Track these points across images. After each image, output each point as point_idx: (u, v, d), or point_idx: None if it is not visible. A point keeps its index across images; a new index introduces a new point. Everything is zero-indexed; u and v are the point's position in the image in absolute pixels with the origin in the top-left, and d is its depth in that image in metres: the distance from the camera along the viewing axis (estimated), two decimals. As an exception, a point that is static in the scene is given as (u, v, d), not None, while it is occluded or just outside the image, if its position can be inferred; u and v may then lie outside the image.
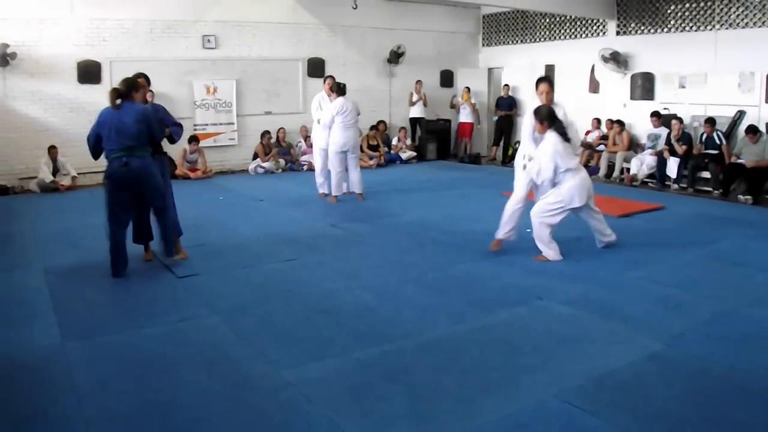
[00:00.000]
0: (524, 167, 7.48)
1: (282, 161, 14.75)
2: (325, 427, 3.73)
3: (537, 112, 7.23)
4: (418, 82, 16.54)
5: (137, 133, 6.53)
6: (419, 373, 4.44)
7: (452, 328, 5.26)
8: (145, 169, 6.62)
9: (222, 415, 3.88)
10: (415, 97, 16.62)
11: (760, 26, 11.98)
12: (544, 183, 7.36)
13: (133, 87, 6.78)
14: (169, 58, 13.73)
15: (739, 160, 11.44)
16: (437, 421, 3.77)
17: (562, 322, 5.35)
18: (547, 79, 7.94)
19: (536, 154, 7.27)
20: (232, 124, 14.64)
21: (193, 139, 13.71)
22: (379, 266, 7.07)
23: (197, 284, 6.43)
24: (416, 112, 16.77)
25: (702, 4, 12.91)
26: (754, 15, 12.09)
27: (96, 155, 6.81)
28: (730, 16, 12.47)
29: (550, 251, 7.20)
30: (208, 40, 14.18)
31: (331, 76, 11.61)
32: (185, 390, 4.22)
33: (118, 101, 6.59)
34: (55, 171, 12.49)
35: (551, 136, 7.04)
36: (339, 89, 11.01)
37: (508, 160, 16.24)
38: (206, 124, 14.34)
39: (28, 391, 4.23)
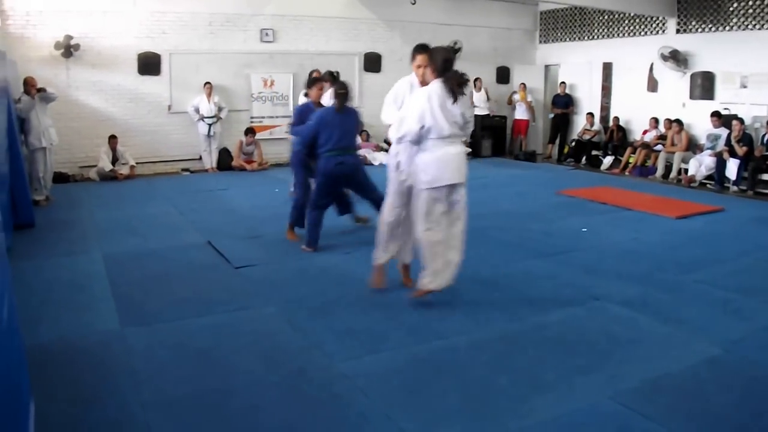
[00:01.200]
0: (397, 166, 5.80)
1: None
2: (379, 420, 3.76)
3: (434, 50, 5.46)
4: (478, 79, 16.45)
5: (355, 134, 7.51)
6: (473, 371, 4.44)
7: (507, 326, 5.24)
8: (357, 166, 7.45)
9: (276, 405, 3.93)
10: (475, 96, 16.51)
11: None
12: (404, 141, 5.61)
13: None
14: (228, 51, 13.90)
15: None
16: (490, 419, 3.78)
17: (618, 323, 5.30)
18: (423, 49, 5.71)
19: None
20: (289, 117, 14.73)
21: (250, 131, 13.88)
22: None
23: (254, 275, 6.50)
24: (479, 109, 16.66)
25: (765, 1, 12.64)
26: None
27: (308, 150, 7.45)
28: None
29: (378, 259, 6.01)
30: (266, 34, 14.32)
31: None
32: (240, 379, 4.28)
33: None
34: (115, 160, 12.75)
35: (435, 86, 5.29)
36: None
37: (564, 158, 16.13)
38: (263, 117, 14.49)
39: (87, 375, 4.34)
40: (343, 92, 7.17)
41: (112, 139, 12.59)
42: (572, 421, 3.74)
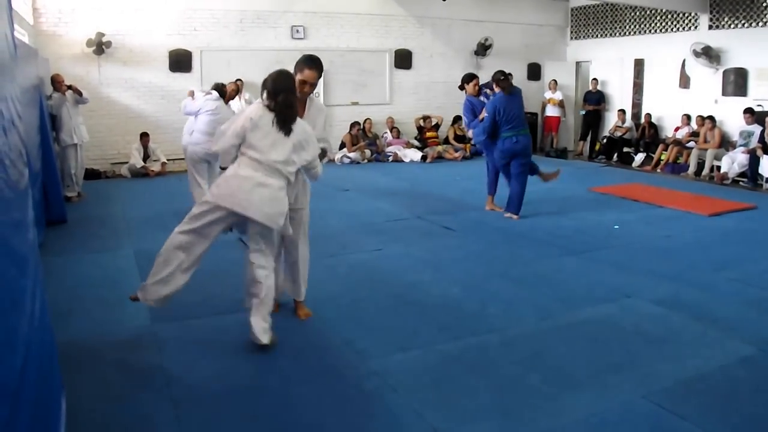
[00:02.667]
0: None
1: (368, 152, 14.84)
2: (410, 417, 3.76)
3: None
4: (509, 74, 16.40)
5: (523, 113, 9.03)
6: (504, 368, 4.42)
7: (538, 324, 5.22)
8: (529, 145, 9.06)
9: (307, 402, 3.93)
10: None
11: None
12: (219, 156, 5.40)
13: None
14: (258, 48, 13.95)
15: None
16: (522, 417, 3.76)
17: (650, 321, 5.25)
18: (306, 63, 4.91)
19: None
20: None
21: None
22: (465, 259, 7.06)
23: (284, 272, 6.52)
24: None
25: (801, -3, 12.47)
26: None
27: (491, 136, 8.95)
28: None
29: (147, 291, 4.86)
30: (297, 31, 14.37)
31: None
32: (271, 376, 4.29)
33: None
34: (146, 157, 12.84)
35: (254, 107, 4.71)
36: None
37: (596, 155, 16.02)
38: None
39: (118, 371, 4.37)
40: (504, 77, 8.91)
41: (144, 136, 12.69)
42: (604, 420, 3.71)
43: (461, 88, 9.52)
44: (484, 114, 8.98)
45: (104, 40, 12.43)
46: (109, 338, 4.92)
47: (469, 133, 9.19)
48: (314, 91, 4.98)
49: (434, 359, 4.53)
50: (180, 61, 13.33)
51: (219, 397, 4.01)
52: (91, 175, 12.07)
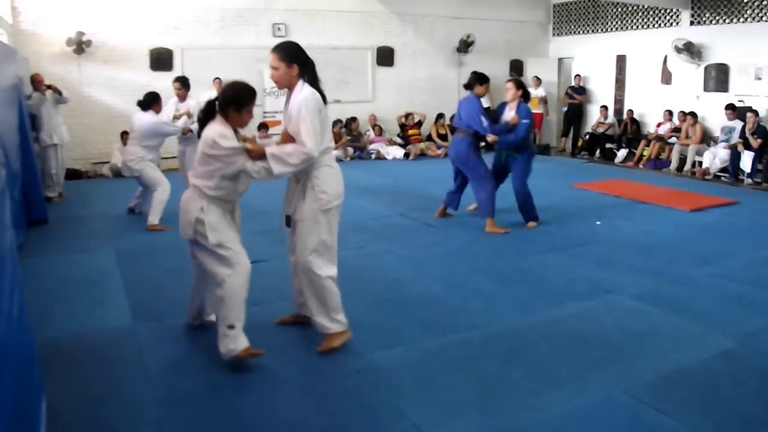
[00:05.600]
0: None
1: (350, 149, 14.83)
2: (391, 414, 3.76)
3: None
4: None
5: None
6: (486, 365, 4.43)
7: (520, 320, 5.22)
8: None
9: (288, 400, 3.93)
10: None
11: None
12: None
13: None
14: (240, 46, 13.91)
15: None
16: (504, 413, 3.76)
17: (632, 316, 5.27)
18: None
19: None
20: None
21: (263, 127, 13.89)
22: (448, 256, 7.06)
23: (265, 270, 6.46)
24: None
25: (781, -7, 12.55)
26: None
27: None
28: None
29: None
30: (278, 28, 14.32)
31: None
32: (253, 374, 4.28)
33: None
34: (128, 156, 12.77)
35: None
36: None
37: (578, 151, 16.08)
38: (275, 112, 14.44)
39: (99, 371, 4.34)
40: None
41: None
42: (586, 415, 3.72)
43: (469, 87, 8.56)
44: (511, 118, 8.19)
45: (84, 39, 12.36)
46: (91, 338, 4.89)
47: (490, 138, 8.23)
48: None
49: (416, 356, 4.53)
50: (161, 60, 13.27)
51: (201, 396, 4.00)
52: (72, 175, 12.00)
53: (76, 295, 5.85)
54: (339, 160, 14.30)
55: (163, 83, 12.73)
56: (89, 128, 12.69)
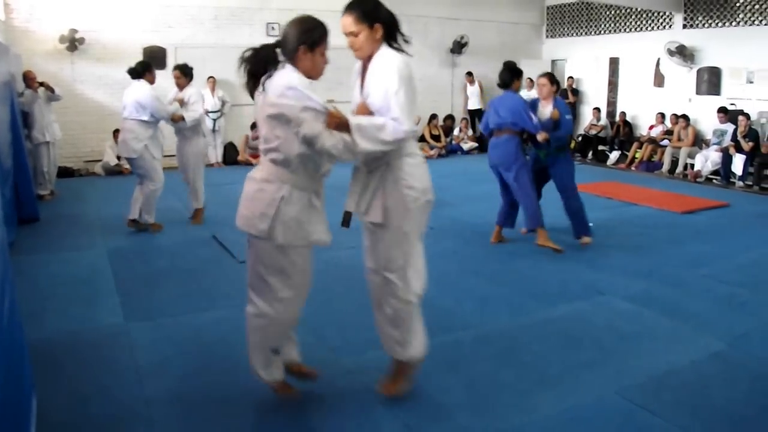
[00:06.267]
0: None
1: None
2: (383, 415, 3.76)
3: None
4: (469, 73, 16.50)
5: None
6: (478, 365, 4.43)
7: (512, 321, 5.23)
8: None
9: (281, 401, 3.90)
10: (468, 89, 16.62)
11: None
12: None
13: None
14: (233, 45, 13.83)
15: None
16: (495, 413, 3.76)
17: (623, 318, 5.29)
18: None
19: None
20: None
21: (255, 126, 13.84)
22: (440, 257, 7.04)
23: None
24: (473, 103, 16.72)
25: (773, -4, 12.61)
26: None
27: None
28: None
29: None
30: (272, 28, 14.29)
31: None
32: (245, 374, 4.23)
33: None
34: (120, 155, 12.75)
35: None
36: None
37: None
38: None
39: (91, 370, 4.34)
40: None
41: (117, 133, 12.58)
42: (577, 416, 3.73)
43: (506, 85, 7.48)
44: (552, 113, 7.46)
45: (77, 36, 12.33)
46: (83, 337, 4.88)
47: (540, 137, 7.35)
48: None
49: (408, 356, 4.52)
50: (154, 58, 13.15)
51: (193, 396, 3.98)
52: (64, 173, 11.97)
53: (67, 294, 5.83)
54: (332, 159, 14.30)
55: (156, 82, 12.75)
56: (82, 126, 12.66)
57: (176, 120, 8.22)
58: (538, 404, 3.87)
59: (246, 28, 14.11)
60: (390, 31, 3.61)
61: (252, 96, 3.44)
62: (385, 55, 3.54)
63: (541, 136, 7.35)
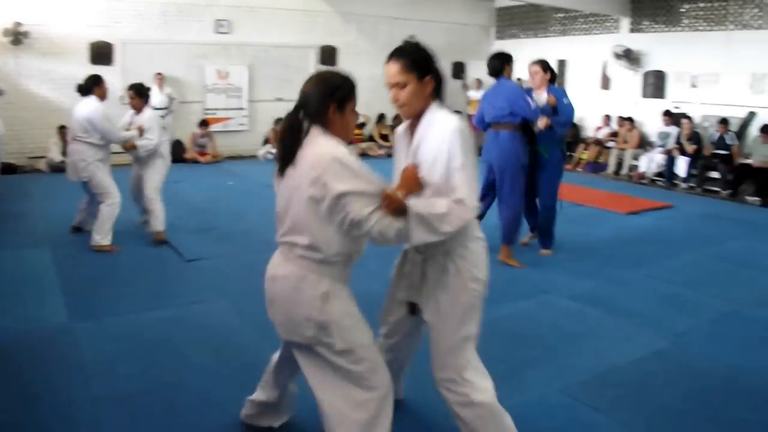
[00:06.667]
0: None
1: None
2: (331, 413, 3.75)
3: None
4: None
5: None
6: (423, 365, 4.45)
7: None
8: None
9: (230, 399, 3.88)
10: None
11: (773, 28, 12.00)
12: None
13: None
14: (181, 42, 13.75)
15: (748, 161, 11.47)
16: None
17: (567, 317, 5.37)
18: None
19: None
20: (243, 109, 14.67)
21: (203, 123, 13.77)
22: (387, 254, 6.99)
23: (205, 268, 6.46)
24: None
25: (715, 4, 12.86)
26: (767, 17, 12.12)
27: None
28: (743, 16, 12.43)
29: None
30: (221, 25, 14.18)
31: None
32: (193, 373, 4.25)
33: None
34: (65, 151, 12.52)
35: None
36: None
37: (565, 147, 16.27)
38: (217, 109, 14.36)
39: (36, 370, 4.26)
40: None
41: (63, 129, 12.37)
42: (522, 413, 3.76)
43: (497, 73, 6.98)
44: (548, 99, 6.97)
45: (22, 29, 12.07)
46: (26, 337, 4.79)
47: (541, 123, 6.84)
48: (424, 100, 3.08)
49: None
50: (101, 54, 13.03)
51: (139, 396, 3.94)
52: (8, 169, 11.72)
53: (10, 293, 5.71)
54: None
55: (103, 77, 12.58)
56: (26, 122, 12.40)
57: (128, 148, 7.47)
58: (483, 402, 3.91)
59: (194, 25, 13.94)
60: (439, 86, 3.14)
61: (282, 174, 2.87)
62: (442, 117, 3.00)
63: (542, 122, 6.84)
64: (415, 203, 2.80)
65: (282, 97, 15.02)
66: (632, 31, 14.55)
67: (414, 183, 2.91)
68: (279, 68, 14.97)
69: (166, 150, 7.74)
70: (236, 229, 7.93)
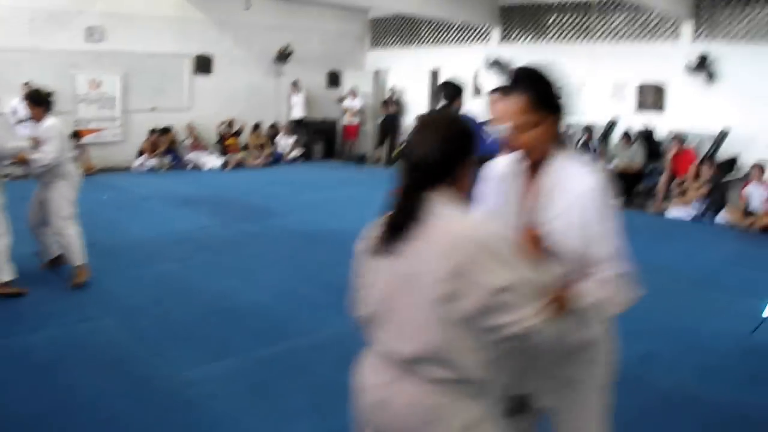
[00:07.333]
0: None
1: (167, 159, 14.53)
2: (230, 423, 3.83)
3: None
4: (294, 83, 16.63)
5: None
6: (317, 370, 4.58)
7: (347, 326, 5.36)
8: None
9: (127, 416, 3.88)
10: (293, 99, 16.74)
11: (631, 40, 12.72)
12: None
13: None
14: (51, 50, 13.31)
15: (610, 166, 12.09)
16: (339, 415, 3.89)
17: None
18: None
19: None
20: (117, 120, 14.34)
21: (75, 135, 13.37)
22: (272, 265, 7.14)
23: (89, 285, 6.31)
24: (297, 113, 16.84)
25: (580, 17, 13.55)
26: (626, 30, 12.86)
27: None
28: (605, 29, 13.15)
29: None
30: (94, 33, 13.82)
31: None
32: (88, 392, 4.19)
33: None
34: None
35: None
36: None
37: (393, 160, 16.54)
38: (89, 120, 13.99)
39: None
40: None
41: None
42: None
43: (450, 100, 6.20)
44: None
45: None
46: None
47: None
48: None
49: (249, 365, 4.62)
50: (-36, 62, 12.54)
51: (32, 420, 3.86)
52: None
53: None
54: (155, 170, 14.02)
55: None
56: None
57: (20, 162, 6.47)
58: (378, 405, 4.06)
59: (65, 32, 13.49)
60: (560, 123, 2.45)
61: (386, 254, 2.04)
62: (577, 170, 2.33)
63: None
64: (586, 291, 2.15)
65: (157, 106, 14.79)
66: (502, 41, 15.11)
67: (536, 252, 2.17)
68: (154, 77, 14.71)
69: (71, 167, 6.55)
70: (118, 244, 7.77)
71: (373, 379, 2.13)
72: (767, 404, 4.29)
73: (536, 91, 2.35)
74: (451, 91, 6.17)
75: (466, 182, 2.10)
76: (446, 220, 1.94)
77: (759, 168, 10.19)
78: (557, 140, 2.38)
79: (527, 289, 1.89)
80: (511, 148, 2.40)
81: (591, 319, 2.21)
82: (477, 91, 15.49)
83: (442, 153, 2.00)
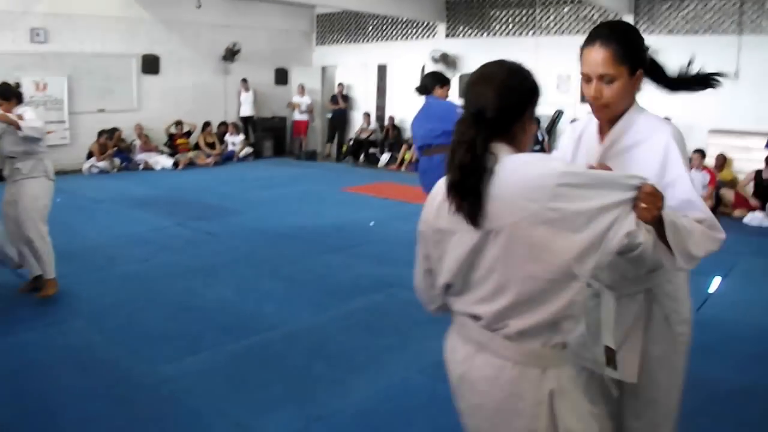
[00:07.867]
0: None
1: (117, 160, 14.45)
2: (212, 415, 3.94)
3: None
4: (243, 80, 16.68)
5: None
6: (290, 360, 4.72)
7: (314, 318, 5.55)
8: None
9: (108, 415, 3.93)
10: (242, 96, 16.78)
11: (574, 33, 13.05)
12: None
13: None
14: (-6, 53, 13.13)
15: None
16: (315, 401, 4.07)
17: (414, 306, 5.57)
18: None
19: None
20: (64, 122, 14.20)
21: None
22: (234, 263, 7.23)
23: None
24: (246, 110, 16.89)
25: (523, 11, 13.87)
26: (569, 23, 13.19)
27: None
28: (548, 23, 13.49)
29: None
30: (37, 34, 13.62)
31: None
32: (65, 394, 4.20)
33: None
34: None
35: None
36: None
37: (343, 156, 16.69)
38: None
39: None
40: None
41: None
42: (388, 395, 4.13)
43: (426, 91, 6.52)
44: None
45: None
46: None
47: None
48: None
49: (223, 359, 4.72)
50: None
51: (12, 425, 3.85)
52: None
53: None
54: (106, 171, 13.94)
55: None
56: None
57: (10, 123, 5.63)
58: (351, 389, 4.24)
59: (8, 34, 13.21)
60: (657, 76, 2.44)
61: (475, 223, 1.85)
62: (652, 122, 2.34)
63: None
64: (678, 214, 2.02)
65: (104, 108, 14.70)
66: (448, 36, 15.35)
67: (656, 200, 1.87)
68: (100, 78, 14.58)
69: (48, 163, 6.17)
70: (76, 247, 7.70)
71: (457, 353, 2.09)
72: (718, 375, 4.55)
73: (620, 45, 2.25)
74: (432, 81, 6.41)
75: (526, 139, 1.99)
76: (513, 169, 1.83)
77: (700, 153, 10.57)
78: (633, 99, 2.35)
79: (629, 199, 1.81)
80: (591, 103, 2.35)
81: (694, 258, 2.00)
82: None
83: (506, 105, 1.93)
